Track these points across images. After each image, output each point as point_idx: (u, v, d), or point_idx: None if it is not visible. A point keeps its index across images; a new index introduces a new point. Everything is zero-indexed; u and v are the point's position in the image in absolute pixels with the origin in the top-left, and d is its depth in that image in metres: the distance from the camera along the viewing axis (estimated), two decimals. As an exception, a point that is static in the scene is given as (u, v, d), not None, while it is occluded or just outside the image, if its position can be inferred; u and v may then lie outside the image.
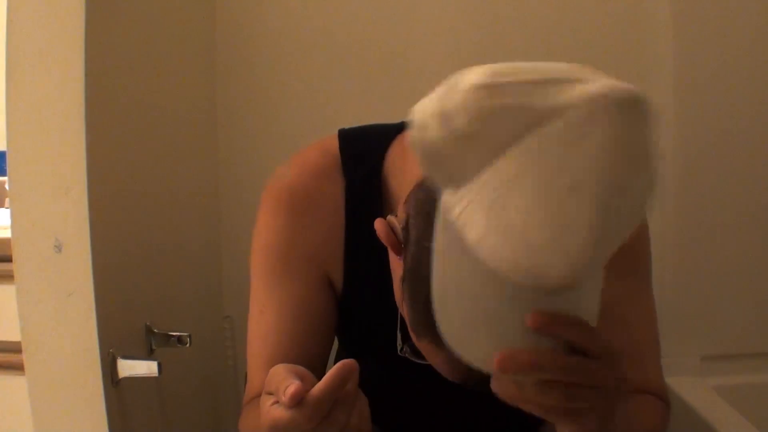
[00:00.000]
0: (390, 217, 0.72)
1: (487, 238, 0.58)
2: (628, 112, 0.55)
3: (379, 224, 0.71)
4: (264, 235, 0.90)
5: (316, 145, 0.91)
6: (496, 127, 0.57)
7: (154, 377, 0.95)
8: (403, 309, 0.72)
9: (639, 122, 0.56)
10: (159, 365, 0.95)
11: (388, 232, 0.70)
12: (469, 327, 0.61)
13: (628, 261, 0.86)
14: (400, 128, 0.89)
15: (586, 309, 0.62)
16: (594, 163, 0.55)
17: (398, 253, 0.70)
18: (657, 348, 0.91)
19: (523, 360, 0.58)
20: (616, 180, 0.55)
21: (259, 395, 0.87)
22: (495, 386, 0.62)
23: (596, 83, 0.56)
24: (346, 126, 0.94)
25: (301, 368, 0.66)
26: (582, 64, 0.60)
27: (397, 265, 0.73)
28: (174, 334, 1.11)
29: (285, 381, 0.62)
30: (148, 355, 1.09)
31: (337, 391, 0.62)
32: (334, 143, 0.90)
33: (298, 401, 0.61)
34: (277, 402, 0.63)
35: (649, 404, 0.88)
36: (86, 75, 0.88)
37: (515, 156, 0.56)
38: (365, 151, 0.88)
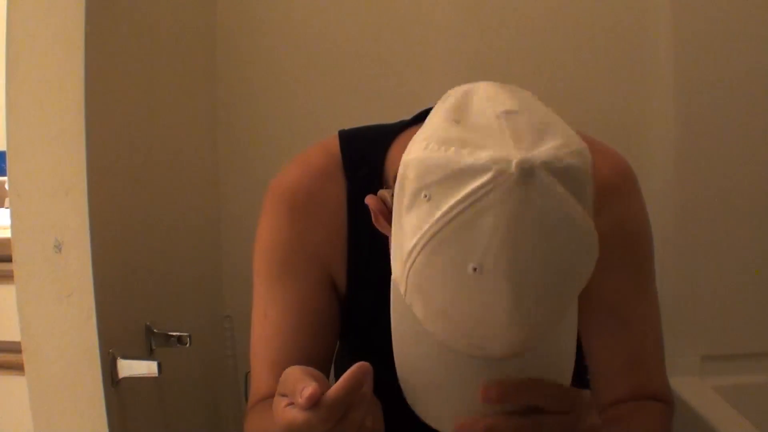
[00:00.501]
0: (381, 192, 0.72)
1: (427, 319, 0.61)
2: (522, 184, 0.55)
3: (370, 199, 0.71)
4: (267, 237, 0.90)
5: (318, 145, 0.91)
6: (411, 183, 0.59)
7: (154, 377, 0.95)
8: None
9: (541, 190, 0.55)
10: (159, 365, 0.95)
11: (381, 206, 0.70)
12: (428, 391, 0.64)
13: (631, 261, 0.86)
14: (400, 128, 0.89)
15: (550, 362, 0.63)
16: (493, 241, 0.55)
17: (390, 222, 0.70)
18: (660, 349, 0.90)
19: (479, 428, 0.60)
20: (523, 254, 0.55)
21: (265, 398, 0.87)
22: None
23: (488, 153, 0.56)
24: (347, 126, 0.94)
25: (315, 371, 0.66)
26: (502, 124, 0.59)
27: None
28: (174, 334, 1.11)
29: (301, 382, 0.62)
30: (148, 355, 1.09)
31: (353, 394, 0.61)
32: (335, 144, 0.90)
33: (314, 403, 0.60)
34: (291, 403, 0.63)
35: (648, 412, 0.87)
36: (86, 75, 0.88)
37: (423, 240, 0.57)
38: (366, 151, 0.88)
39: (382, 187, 0.87)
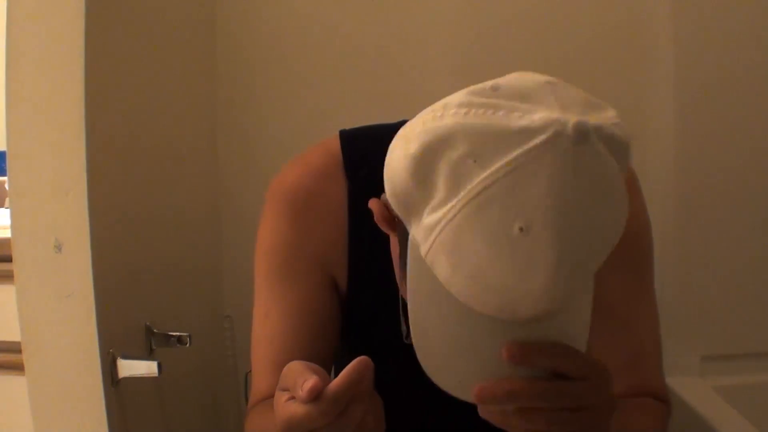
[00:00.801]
0: (384, 195, 0.72)
1: (454, 279, 0.60)
2: (578, 146, 0.55)
3: (373, 203, 0.71)
4: (268, 238, 0.90)
5: (318, 146, 0.91)
6: (441, 156, 0.58)
7: (154, 377, 0.95)
8: (403, 288, 0.72)
9: (592, 154, 0.55)
10: (159, 365, 0.95)
11: (383, 210, 0.70)
12: (447, 356, 0.63)
13: (630, 261, 0.86)
14: (400, 128, 0.89)
15: (570, 332, 0.63)
16: (544, 202, 0.54)
17: (393, 229, 0.70)
18: (658, 348, 0.90)
19: (501, 390, 0.59)
20: (573, 217, 0.55)
21: (266, 398, 0.87)
22: (481, 412, 0.62)
23: (541, 115, 0.55)
24: (347, 126, 0.94)
25: (316, 365, 0.66)
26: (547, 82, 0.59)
27: (395, 244, 0.73)
28: (174, 334, 1.11)
29: (301, 376, 0.62)
30: (148, 355, 1.09)
31: (353, 387, 0.61)
32: (336, 144, 0.90)
33: (315, 396, 0.60)
34: (292, 398, 0.63)
35: (647, 408, 0.87)
36: (86, 75, 0.88)
37: (465, 199, 0.57)
38: (367, 151, 0.88)
39: (383, 187, 0.87)
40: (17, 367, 0.97)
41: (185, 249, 1.35)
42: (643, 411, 0.86)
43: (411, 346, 0.90)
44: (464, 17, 1.53)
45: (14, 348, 0.95)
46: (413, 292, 0.64)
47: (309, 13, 1.53)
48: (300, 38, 1.53)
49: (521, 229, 0.55)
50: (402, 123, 0.90)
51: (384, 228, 0.71)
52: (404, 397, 0.97)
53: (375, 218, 0.71)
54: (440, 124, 0.59)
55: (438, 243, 0.59)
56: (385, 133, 0.90)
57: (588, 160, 0.55)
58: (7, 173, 0.90)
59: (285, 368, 0.66)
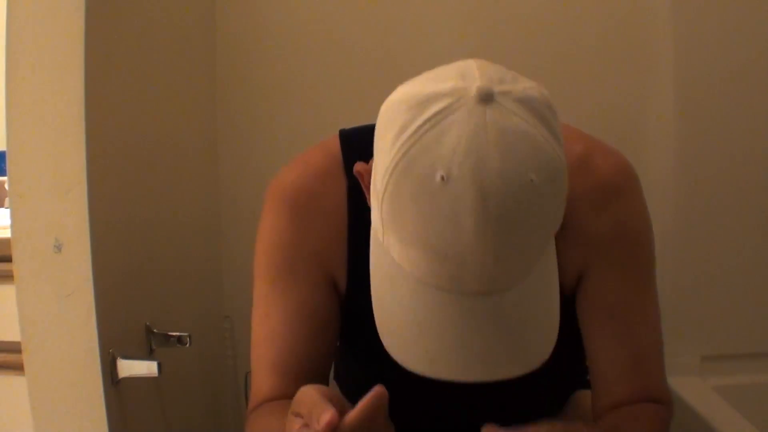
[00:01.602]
0: (372, 161, 0.73)
1: (403, 252, 0.63)
2: (482, 105, 0.60)
3: (359, 166, 0.75)
4: (267, 237, 0.89)
5: (318, 146, 0.91)
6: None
7: (154, 377, 0.95)
8: None
9: (501, 111, 0.60)
10: (159, 365, 0.95)
11: (369, 175, 0.72)
12: (404, 333, 0.65)
13: (631, 261, 0.86)
14: None
15: (530, 311, 0.65)
16: (458, 152, 0.59)
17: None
18: (660, 350, 0.90)
19: None
20: (485, 162, 0.59)
21: (267, 400, 0.87)
22: None
23: (453, 83, 0.62)
24: (347, 126, 0.94)
25: (332, 391, 0.66)
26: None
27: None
28: (174, 334, 1.11)
29: (318, 406, 0.62)
30: (148, 355, 1.09)
31: (370, 421, 0.62)
32: (336, 144, 0.90)
33: (332, 430, 0.60)
34: (306, 425, 0.63)
35: (644, 416, 0.86)
36: (86, 75, 0.88)
37: (392, 166, 0.62)
38: (366, 150, 0.88)
39: None
40: (17, 367, 0.97)
41: (185, 249, 1.35)
42: (640, 421, 0.86)
43: None
44: (465, 18, 1.53)
45: (14, 348, 0.96)
46: (374, 276, 0.68)
47: (309, 14, 1.53)
48: (300, 39, 1.53)
49: (443, 178, 0.59)
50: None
51: (367, 197, 0.73)
52: (404, 397, 0.97)
53: (363, 185, 0.74)
54: (392, 99, 0.67)
55: (385, 217, 0.64)
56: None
57: (495, 114, 0.60)
58: (7, 173, 0.90)
59: (299, 392, 0.66)
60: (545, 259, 0.67)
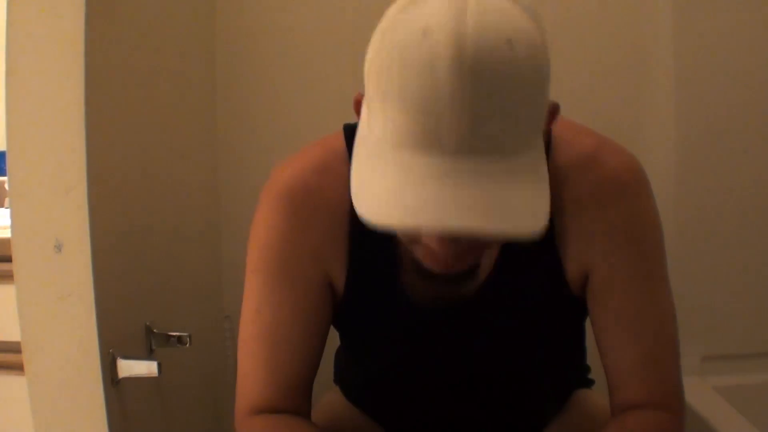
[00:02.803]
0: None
1: (387, 118, 0.65)
2: None
3: (360, 95, 0.76)
4: (263, 233, 0.88)
5: (317, 142, 0.90)
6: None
7: (154, 377, 0.95)
8: None
9: None
10: (159, 365, 0.95)
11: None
12: (380, 196, 0.66)
13: (640, 258, 0.85)
14: None
15: (517, 185, 0.65)
16: (440, 8, 0.63)
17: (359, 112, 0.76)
18: (674, 348, 0.87)
19: None
20: (464, 18, 0.62)
21: (261, 408, 0.86)
22: None
23: None
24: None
25: None
26: None
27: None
28: (174, 334, 1.11)
29: None
30: (148, 355, 1.09)
31: None
32: (337, 139, 0.88)
33: None
34: None
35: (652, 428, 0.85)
36: (86, 75, 0.88)
37: (380, 32, 0.70)
38: None
39: None
40: (17, 367, 0.97)
41: (185, 249, 1.35)
42: None
43: (409, 342, 0.90)
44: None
45: (14, 348, 0.96)
46: (356, 160, 0.70)
47: (308, 17, 1.53)
48: (300, 42, 1.53)
49: (424, 32, 0.63)
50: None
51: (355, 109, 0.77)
52: (401, 392, 0.97)
53: (356, 113, 0.77)
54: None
55: (371, 85, 0.68)
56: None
57: None
58: (7, 173, 0.90)
59: None
60: (533, 154, 0.68)
